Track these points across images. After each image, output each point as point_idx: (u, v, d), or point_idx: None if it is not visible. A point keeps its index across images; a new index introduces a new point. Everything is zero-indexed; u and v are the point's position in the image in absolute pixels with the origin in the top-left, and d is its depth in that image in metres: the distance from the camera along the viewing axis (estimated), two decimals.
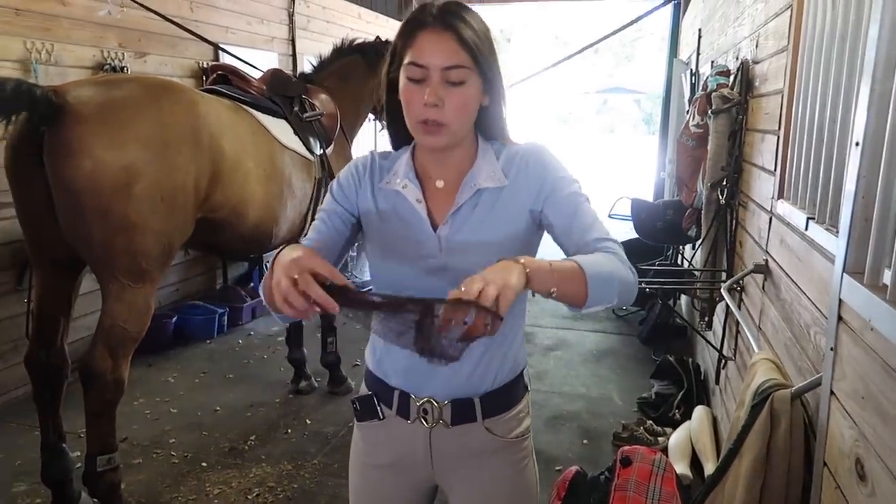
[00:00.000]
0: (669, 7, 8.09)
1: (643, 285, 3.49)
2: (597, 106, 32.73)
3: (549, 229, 1.27)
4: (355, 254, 6.35)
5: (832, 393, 1.33)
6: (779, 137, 2.25)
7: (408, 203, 1.27)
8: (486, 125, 1.30)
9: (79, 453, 2.86)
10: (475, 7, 1.27)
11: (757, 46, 2.81)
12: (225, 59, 4.95)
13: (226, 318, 4.98)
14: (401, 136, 1.33)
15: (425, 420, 1.32)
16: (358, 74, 4.00)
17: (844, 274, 1.28)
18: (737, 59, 3.23)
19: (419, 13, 1.20)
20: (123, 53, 4.23)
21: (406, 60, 1.18)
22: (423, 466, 1.37)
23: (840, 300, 1.31)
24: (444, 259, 1.24)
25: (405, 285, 1.26)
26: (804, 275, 1.81)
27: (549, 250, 1.26)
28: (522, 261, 1.04)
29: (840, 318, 1.32)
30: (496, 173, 1.26)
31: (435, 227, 1.26)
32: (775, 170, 2.26)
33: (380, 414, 1.37)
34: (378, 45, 4.08)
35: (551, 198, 1.25)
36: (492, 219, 1.25)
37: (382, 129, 4.77)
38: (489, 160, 1.28)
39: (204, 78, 4.83)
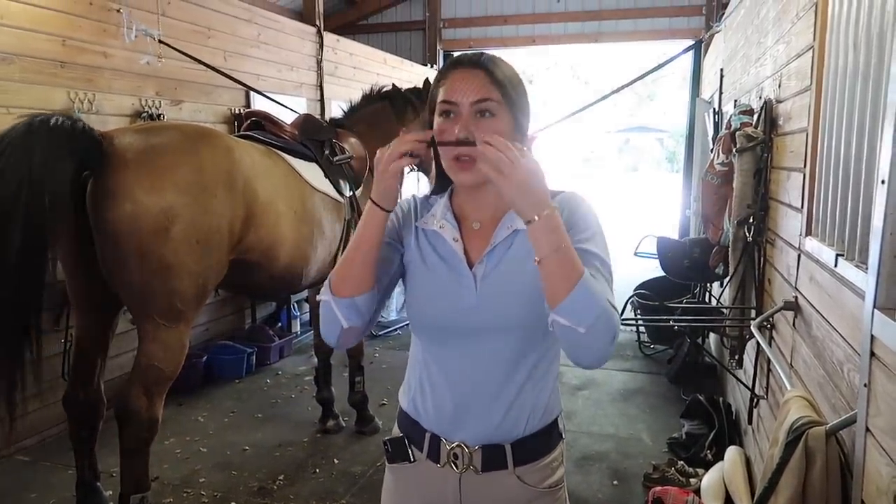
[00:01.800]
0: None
1: (672, 323, 3.48)
2: (619, 145, 32.83)
3: None
4: None
5: (868, 430, 1.32)
6: (804, 175, 2.26)
7: (445, 242, 1.31)
8: None
9: (111, 492, 2.90)
10: (498, 51, 1.33)
11: (780, 86, 2.84)
12: (255, 104, 5.11)
13: (254, 357, 5.03)
14: (442, 181, 1.36)
15: (455, 465, 1.31)
16: (386, 119, 4.12)
17: (875, 310, 1.28)
18: (760, 98, 3.27)
19: (451, 60, 1.28)
20: (160, 101, 4.40)
21: (439, 99, 1.24)
22: None
23: (872, 336, 1.31)
24: (477, 297, 1.26)
25: (441, 323, 1.29)
26: (835, 311, 1.81)
27: None
28: (555, 212, 1.09)
29: (873, 353, 1.32)
30: None
31: (471, 266, 1.29)
32: (802, 207, 2.27)
33: (410, 457, 1.37)
34: (405, 93, 4.20)
35: None
36: (526, 259, 1.25)
37: (410, 171, 4.87)
38: None
39: (236, 123, 4.99)
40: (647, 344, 5.57)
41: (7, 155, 2.21)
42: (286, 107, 4.14)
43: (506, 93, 1.22)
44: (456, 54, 1.30)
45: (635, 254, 5.79)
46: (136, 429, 2.54)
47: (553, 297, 1.09)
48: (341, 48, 6.88)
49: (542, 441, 1.34)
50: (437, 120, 1.25)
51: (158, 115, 4.32)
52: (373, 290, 1.26)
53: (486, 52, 1.28)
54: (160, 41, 4.03)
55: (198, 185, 2.61)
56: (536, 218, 1.08)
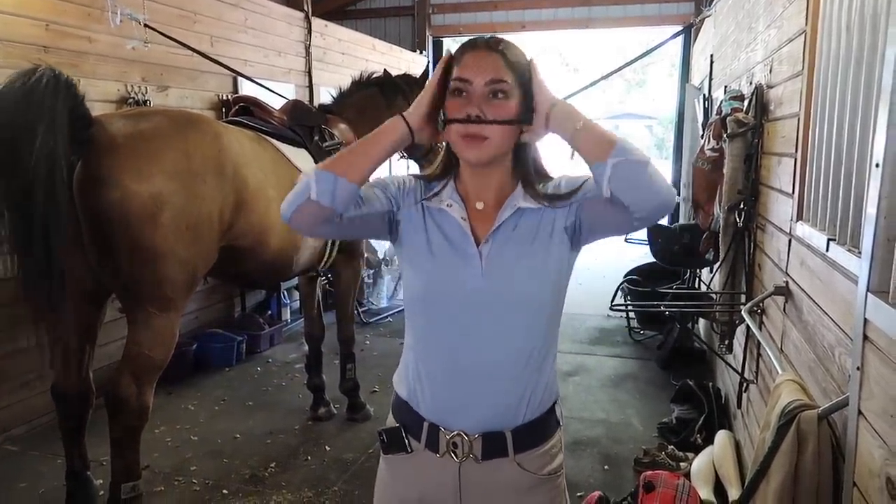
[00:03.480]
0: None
1: (662, 309, 3.50)
2: None
3: (587, 219, 1.28)
4: (371, 281, 6.39)
5: (860, 412, 1.33)
6: (796, 160, 2.26)
7: (452, 221, 1.30)
8: (524, 159, 1.32)
9: (102, 481, 2.88)
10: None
11: (771, 71, 2.84)
12: (243, 90, 5.06)
13: (244, 345, 5.01)
14: (445, 167, 1.36)
15: (455, 454, 1.30)
16: (376, 105, 4.08)
17: (869, 293, 1.29)
18: (751, 83, 3.27)
19: (469, 41, 1.29)
20: (146, 87, 4.34)
21: (453, 76, 1.24)
22: (451, 501, 1.34)
23: (865, 320, 1.31)
24: (483, 276, 1.26)
25: (445, 302, 1.28)
26: (826, 296, 1.81)
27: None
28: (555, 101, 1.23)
29: (866, 337, 1.32)
30: (538, 196, 1.29)
31: (477, 245, 1.28)
32: (793, 192, 2.28)
33: (407, 447, 1.35)
34: (396, 79, 4.17)
35: (583, 204, 1.28)
36: (530, 238, 1.28)
37: (400, 158, 4.84)
38: (532, 189, 1.30)
39: (223, 109, 4.94)
40: (637, 330, 5.59)
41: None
42: (274, 92, 4.09)
43: (518, 77, 1.23)
44: (455, 45, 1.30)
45: (626, 240, 5.80)
46: (126, 417, 2.52)
47: (602, 145, 1.15)
48: (330, 34, 6.81)
49: (542, 427, 1.34)
50: (448, 99, 1.25)
51: (145, 101, 4.26)
52: (356, 188, 1.23)
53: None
54: (146, 25, 3.96)
55: (187, 172, 2.58)
56: (581, 123, 1.19)
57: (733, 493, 2.74)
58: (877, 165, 1.27)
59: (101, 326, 2.77)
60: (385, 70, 4.29)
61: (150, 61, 4.34)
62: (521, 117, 1.24)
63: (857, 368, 1.35)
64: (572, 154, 1.23)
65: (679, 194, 6.10)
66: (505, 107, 1.22)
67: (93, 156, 2.41)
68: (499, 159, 1.27)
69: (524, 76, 1.25)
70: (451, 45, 9.89)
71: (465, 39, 1.33)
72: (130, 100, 4.18)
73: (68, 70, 3.74)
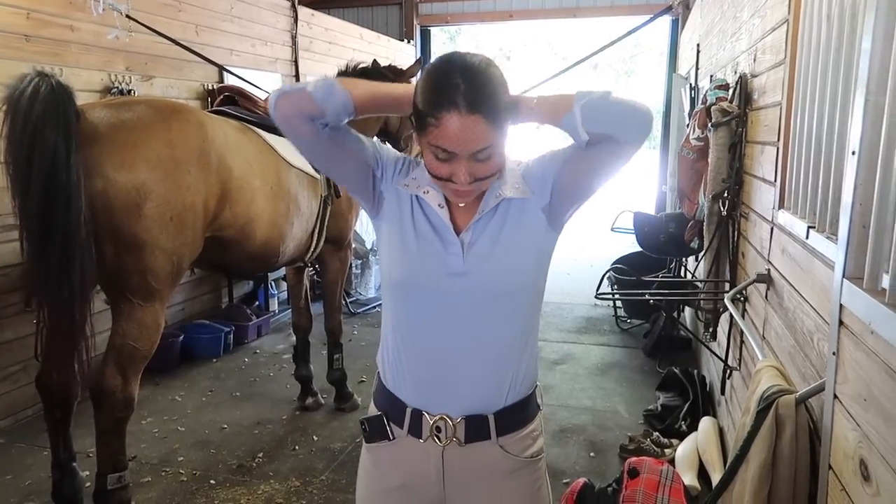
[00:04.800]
0: (668, 23, 8.19)
1: (648, 298, 3.52)
2: None
3: (568, 182, 1.27)
4: (359, 271, 6.39)
5: (836, 396, 1.35)
6: (778, 149, 2.28)
7: (431, 208, 1.30)
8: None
9: (88, 472, 2.88)
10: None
11: (755, 60, 2.85)
12: (230, 80, 5.02)
13: (232, 336, 5.00)
14: None
15: (438, 438, 1.30)
16: None
17: (844, 280, 1.31)
18: (735, 72, 3.28)
19: (447, 90, 1.13)
20: (130, 77, 4.30)
21: (432, 140, 1.16)
22: (435, 488, 1.35)
23: (841, 305, 1.33)
24: (465, 263, 1.27)
25: (425, 287, 1.28)
26: (806, 283, 1.84)
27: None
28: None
29: (841, 322, 1.34)
30: (520, 184, 1.29)
31: (457, 233, 1.29)
32: (775, 180, 2.30)
33: (390, 434, 1.36)
34: (382, 69, 4.14)
35: (558, 172, 1.28)
36: (512, 226, 1.28)
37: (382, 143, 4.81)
38: (514, 174, 1.31)
39: (209, 99, 4.91)
40: (623, 318, 5.63)
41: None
42: (255, 85, 4.06)
43: (503, 122, 1.17)
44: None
45: (612, 229, 5.84)
46: (112, 409, 2.52)
47: (562, 100, 1.18)
48: (316, 23, 6.77)
49: (523, 410, 1.36)
50: (429, 156, 1.19)
51: (129, 91, 4.23)
52: (351, 105, 1.22)
53: (471, 61, 1.16)
54: (128, 16, 3.92)
55: (170, 161, 2.57)
56: (534, 100, 1.21)
57: (717, 478, 2.78)
58: (853, 153, 1.28)
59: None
60: (374, 60, 4.27)
61: (134, 50, 4.30)
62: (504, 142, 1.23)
63: (833, 353, 1.37)
64: (537, 126, 1.23)
65: (666, 183, 6.12)
66: (493, 163, 1.19)
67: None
68: None
69: (505, 115, 1.17)
70: (438, 34, 9.84)
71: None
72: (114, 89, 4.15)
73: (50, 59, 3.73)
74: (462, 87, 1.12)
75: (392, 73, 4.21)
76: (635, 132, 1.17)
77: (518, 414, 1.34)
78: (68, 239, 2.29)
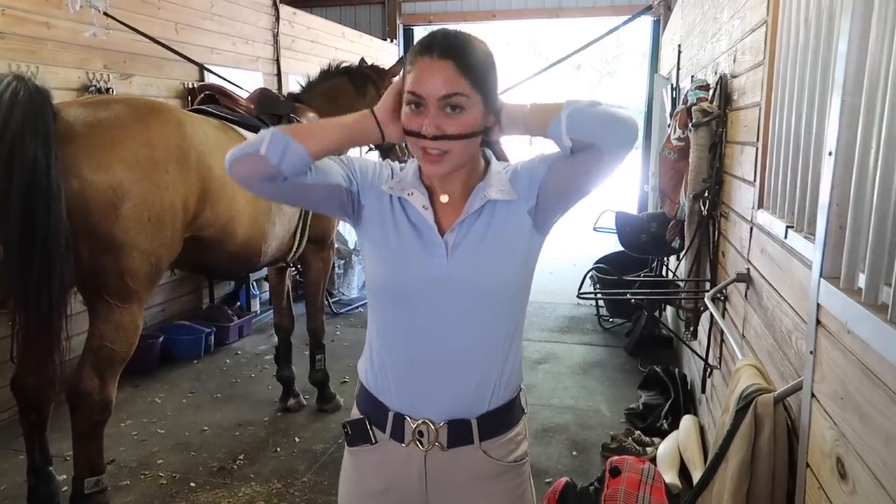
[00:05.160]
0: (649, 24, 8.25)
1: (630, 297, 3.54)
2: None
3: (553, 187, 1.27)
4: (342, 271, 6.36)
5: (813, 395, 1.36)
6: (757, 149, 2.30)
7: (415, 210, 1.29)
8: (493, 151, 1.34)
9: (65, 476, 2.84)
10: (458, 26, 1.30)
11: (735, 61, 2.88)
12: (210, 79, 4.97)
13: (213, 337, 4.95)
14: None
15: (420, 443, 1.29)
16: (346, 95, 4.04)
17: (822, 279, 1.32)
18: (715, 73, 3.31)
19: (423, 41, 1.21)
20: (109, 75, 4.25)
21: (406, 88, 1.19)
22: (417, 492, 1.34)
23: (818, 305, 1.34)
24: (448, 265, 1.26)
25: (410, 289, 1.27)
26: (784, 282, 1.85)
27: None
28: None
29: (819, 322, 1.35)
30: (506, 186, 1.28)
31: (442, 235, 1.28)
32: (755, 180, 2.32)
33: (372, 438, 1.34)
34: (365, 69, 4.13)
35: (545, 176, 1.28)
36: (497, 228, 1.27)
37: (368, 151, 4.80)
38: (501, 177, 1.30)
39: (189, 98, 4.86)
40: (606, 318, 5.66)
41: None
42: (237, 85, 4.02)
43: (476, 80, 1.18)
44: (425, 33, 1.24)
45: (594, 229, 5.86)
46: (89, 411, 2.48)
47: (551, 109, 1.19)
48: (298, 21, 6.73)
49: (507, 414, 1.35)
50: (405, 108, 1.20)
51: (107, 89, 4.17)
52: (309, 158, 1.22)
53: (457, 30, 1.22)
54: (105, 13, 3.87)
55: (148, 161, 2.53)
56: (527, 107, 1.23)
57: (697, 475, 2.80)
58: (830, 154, 1.29)
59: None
60: (362, 59, 4.25)
61: (112, 48, 4.25)
62: (483, 126, 1.22)
63: (811, 352, 1.38)
64: (530, 141, 1.24)
65: (647, 183, 6.16)
66: (462, 120, 1.18)
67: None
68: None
69: (484, 76, 1.19)
70: (421, 33, 9.84)
71: (435, 28, 1.28)
72: (92, 88, 4.09)
73: (26, 57, 3.67)
74: (439, 36, 1.19)
75: (374, 73, 4.21)
76: (617, 143, 1.17)
77: (502, 418, 1.33)
78: (49, 249, 2.26)
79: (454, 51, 1.17)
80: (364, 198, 1.32)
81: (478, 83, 1.18)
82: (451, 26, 1.30)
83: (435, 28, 1.28)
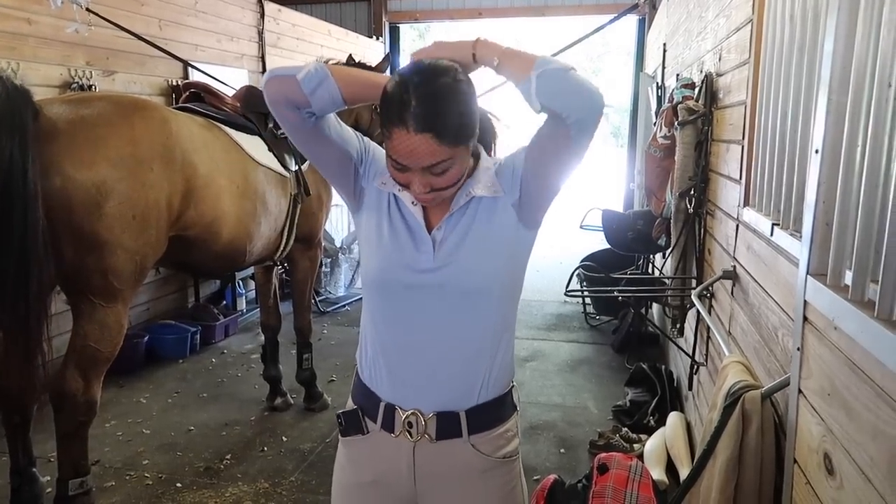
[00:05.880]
0: (635, 22, 8.28)
1: (616, 294, 3.56)
2: None
3: (532, 175, 1.27)
4: (329, 270, 6.33)
5: (800, 391, 1.37)
6: (743, 147, 2.32)
7: (404, 205, 1.31)
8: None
9: (49, 478, 2.81)
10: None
11: (720, 59, 2.89)
12: (196, 76, 4.93)
13: (198, 336, 4.91)
14: None
15: (410, 434, 1.31)
16: None
17: (808, 276, 1.33)
18: (701, 71, 3.33)
19: (397, 106, 1.14)
20: (91, 72, 4.19)
21: (388, 150, 1.18)
22: (406, 484, 1.35)
23: (805, 301, 1.35)
24: (435, 260, 1.27)
25: (398, 283, 1.29)
26: (770, 279, 1.87)
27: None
28: (476, 39, 1.21)
29: (805, 318, 1.36)
30: (492, 184, 1.29)
31: (430, 230, 1.29)
32: (741, 178, 2.33)
33: (364, 429, 1.36)
34: (352, 66, 4.11)
35: (524, 166, 1.28)
36: (483, 224, 1.28)
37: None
38: (488, 173, 1.31)
39: (174, 95, 4.82)
40: (593, 315, 5.68)
41: None
42: (222, 82, 3.99)
43: (459, 139, 1.16)
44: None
45: (581, 227, 5.87)
46: (73, 412, 2.45)
47: (524, 63, 1.15)
48: (283, 18, 6.68)
49: (497, 409, 1.36)
50: (389, 161, 1.20)
51: (90, 86, 4.12)
52: (340, 99, 1.23)
53: (427, 77, 1.16)
54: (88, 9, 3.82)
55: (132, 159, 2.51)
56: (496, 60, 1.19)
57: (684, 472, 2.82)
58: (816, 152, 1.30)
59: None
60: (350, 56, 4.23)
61: (95, 45, 4.20)
62: (470, 160, 1.23)
63: (798, 349, 1.39)
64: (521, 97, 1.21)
65: (634, 181, 6.18)
66: (450, 175, 1.19)
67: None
68: None
69: (465, 129, 1.17)
70: (407, 31, 9.81)
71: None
72: (74, 85, 4.04)
73: (6, 54, 3.62)
74: (412, 104, 1.12)
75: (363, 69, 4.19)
76: (584, 114, 1.14)
77: (491, 413, 1.34)
78: (25, 249, 2.22)
79: (430, 121, 1.12)
80: (366, 184, 1.35)
81: (460, 139, 1.17)
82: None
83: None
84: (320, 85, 1.21)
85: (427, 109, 1.12)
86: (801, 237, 1.43)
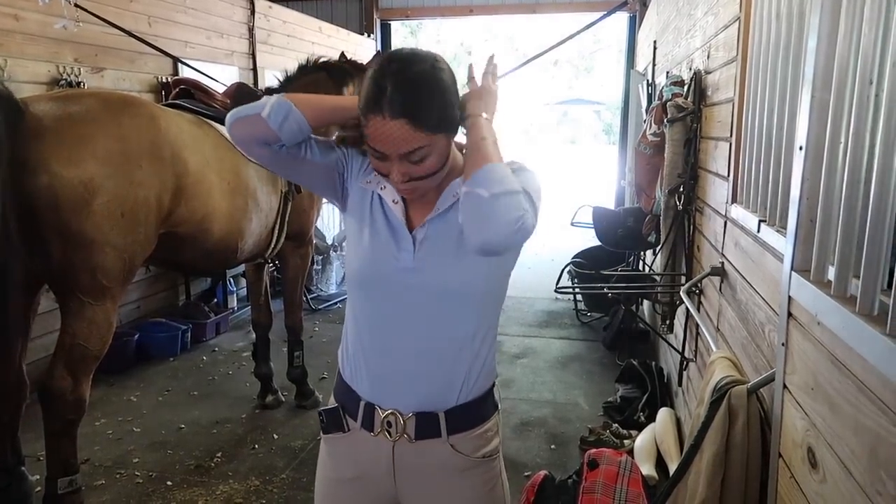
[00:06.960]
0: (625, 20, 8.30)
1: (607, 291, 3.57)
2: (557, 117, 33.16)
3: None
4: (320, 267, 6.32)
5: (785, 386, 1.39)
6: (731, 144, 2.33)
7: (386, 204, 1.31)
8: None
9: (38, 476, 2.80)
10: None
11: (708, 57, 2.90)
12: (185, 73, 4.91)
13: (189, 334, 4.90)
14: None
15: (389, 433, 1.31)
16: (324, 91, 4.00)
17: (793, 272, 1.34)
18: (690, 69, 3.34)
19: (373, 93, 1.14)
20: (80, 68, 4.17)
21: (367, 139, 1.19)
22: (386, 482, 1.36)
23: (789, 297, 1.37)
24: (415, 260, 1.27)
25: (378, 281, 1.29)
26: (757, 275, 1.88)
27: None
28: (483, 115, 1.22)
29: (790, 314, 1.37)
30: None
31: (412, 229, 1.29)
32: (729, 175, 2.34)
33: (345, 426, 1.36)
34: (343, 64, 4.10)
35: None
36: None
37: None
38: None
39: (163, 92, 4.80)
40: (583, 312, 5.70)
41: None
42: (212, 78, 3.98)
43: (436, 125, 1.16)
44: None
45: (572, 223, 5.90)
46: (61, 410, 2.44)
47: (469, 170, 1.15)
48: (274, 15, 6.66)
49: (477, 410, 1.35)
50: (370, 151, 1.21)
51: (78, 83, 4.10)
52: (308, 127, 1.26)
53: (404, 63, 1.16)
54: (76, 5, 3.80)
55: (120, 156, 2.50)
56: (484, 115, 1.21)
57: (674, 467, 2.83)
58: (800, 148, 1.31)
59: (34, 317, 2.67)
60: (342, 53, 4.22)
61: (83, 41, 4.17)
62: (449, 152, 1.24)
63: (783, 344, 1.40)
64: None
65: (624, 178, 6.20)
66: (428, 163, 1.19)
67: (18, 139, 2.31)
68: None
69: (443, 115, 1.17)
70: (399, 28, 9.79)
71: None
72: (62, 81, 4.02)
73: None
74: (388, 91, 1.12)
75: (353, 68, 4.18)
76: (476, 246, 1.14)
77: (470, 414, 1.34)
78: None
79: (405, 108, 1.12)
80: (350, 185, 1.36)
81: (438, 126, 1.17)
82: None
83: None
84: (286, 118, 1.22)
85: (403, 96, 1.12)
86: (786, 233, 1.44)
